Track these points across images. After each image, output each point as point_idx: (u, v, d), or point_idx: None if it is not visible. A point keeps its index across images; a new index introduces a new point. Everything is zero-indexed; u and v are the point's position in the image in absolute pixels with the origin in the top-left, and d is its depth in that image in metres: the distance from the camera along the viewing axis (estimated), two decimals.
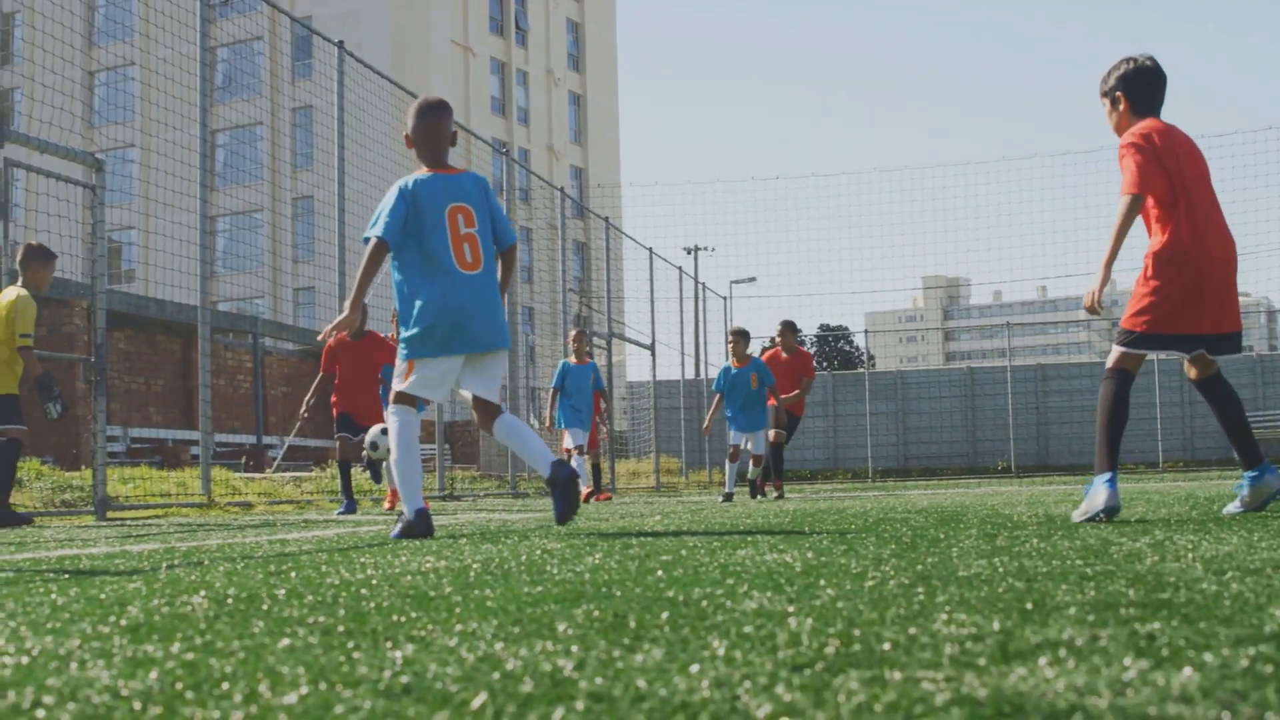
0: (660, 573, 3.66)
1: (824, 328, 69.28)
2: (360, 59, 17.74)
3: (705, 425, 16.50)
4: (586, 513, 10.43)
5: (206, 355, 14.15)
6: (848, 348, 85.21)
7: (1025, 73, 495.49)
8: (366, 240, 6.66)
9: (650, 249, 31.79)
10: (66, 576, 4.21)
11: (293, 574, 4.02)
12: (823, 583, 3.23)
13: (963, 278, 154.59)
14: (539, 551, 4.86)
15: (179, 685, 1.83)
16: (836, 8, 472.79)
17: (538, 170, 67.12)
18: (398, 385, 6.71)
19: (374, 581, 3.62)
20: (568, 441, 16.88)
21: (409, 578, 3.73)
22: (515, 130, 73.82)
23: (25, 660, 2.12)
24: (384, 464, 12.62)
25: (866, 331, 47.77)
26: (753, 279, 43.07)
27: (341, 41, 16.95)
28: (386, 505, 13.58)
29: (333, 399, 13.11)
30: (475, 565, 4.17)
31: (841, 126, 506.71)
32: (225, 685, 1.82)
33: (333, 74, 16.87)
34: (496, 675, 1.85)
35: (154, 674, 1.93)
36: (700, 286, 38.74)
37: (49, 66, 14.00)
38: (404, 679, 1.84)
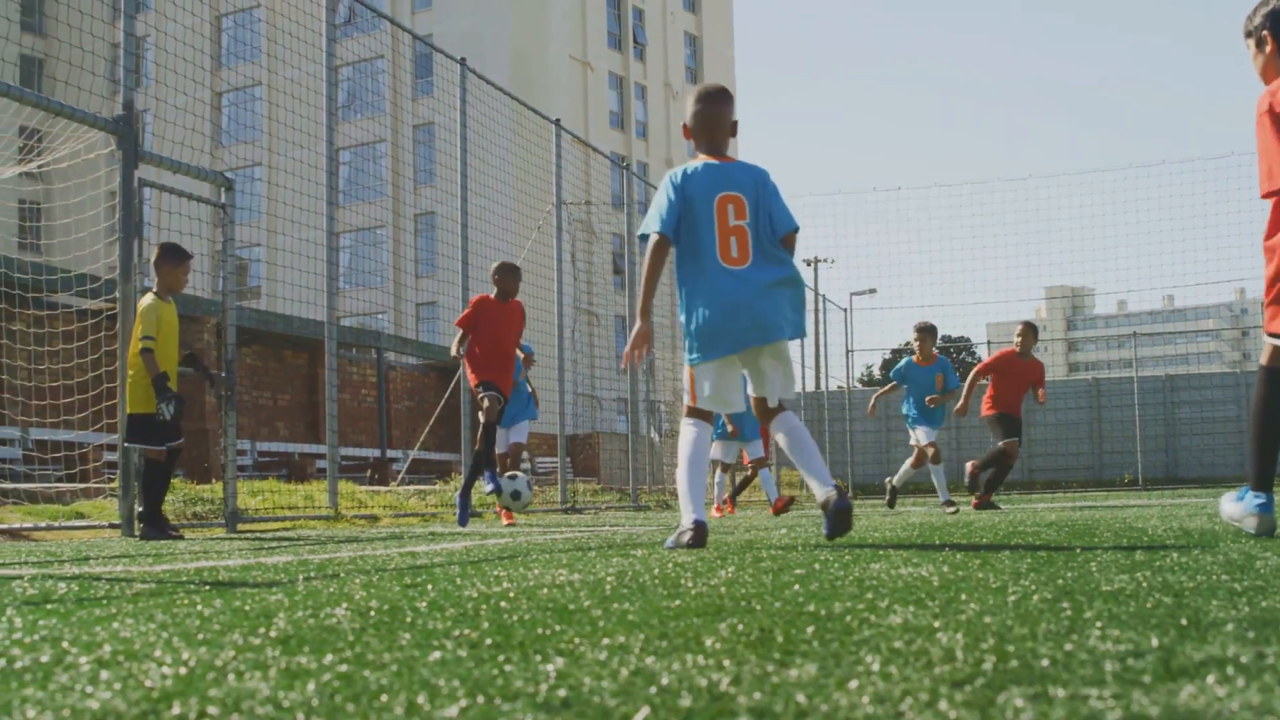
0: (797, 586, 3.63)
1: (945, 339, 68.68)
2: (482, 75, 17.91)
3: (870, 408, 15.90)
4: (711, 525, 10.41)
5: (333, 370, 14.34)
6: (970, 359, 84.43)
7: (1151, 80, 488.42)
8: (644, 239, 6.44)
9: None
10: (208, 588, 4.27)
11: (429, 586, 4.04)
12: (964, 597, 3.19)
13: (1086, 287, 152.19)
14: (670, 565, 4.85)
15: (338, 697, 1.84)
16: (956, 15, 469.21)
17: (657, 184, 67.30)
18: (687, 400, 6.42)
19: (511, 594, 3.62)
20: (717, 453, 16.55)
21: (545, 590, 3.74)
22: (634, 144, 74.16)
23: (183, 671, 2.15)
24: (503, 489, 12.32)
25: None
26: (873, 290, 42.69)
27: (464, 58, 17.13)
28: (505, 521, 13.66)
29: (468, 366, 12.22)
30: (610, 578, 4.17)
31: (963, 135, 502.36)
32: (384, 698, 1.82)
33: (454, 91, 17.05)
34: (653, 689, 1.84)
35: (311, 686, 1.95)
36: (820, 298, 38.55)
37: (179, 88, 14.29)
38: (561, 692, 1.83)
